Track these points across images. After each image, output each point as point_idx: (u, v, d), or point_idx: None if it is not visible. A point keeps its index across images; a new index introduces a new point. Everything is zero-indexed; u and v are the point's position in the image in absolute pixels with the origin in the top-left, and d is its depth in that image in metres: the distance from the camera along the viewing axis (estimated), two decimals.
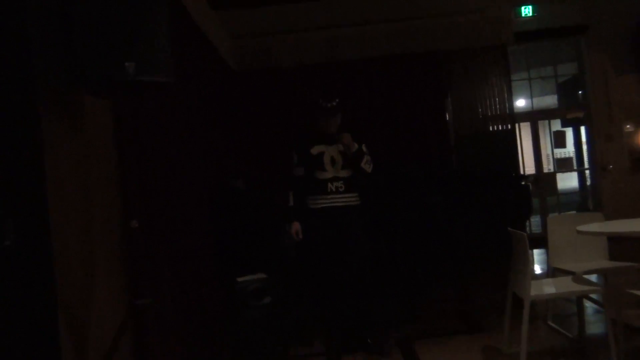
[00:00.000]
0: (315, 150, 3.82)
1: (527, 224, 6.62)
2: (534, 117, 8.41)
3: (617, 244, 3.93)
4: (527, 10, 7.35)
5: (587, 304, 4.11)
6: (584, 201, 8.70)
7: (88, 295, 2.42)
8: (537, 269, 6.17)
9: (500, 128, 7.28)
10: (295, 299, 4.20)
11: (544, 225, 4.96)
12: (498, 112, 7.28)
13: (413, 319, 4.42)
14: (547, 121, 8.79)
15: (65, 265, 2.18)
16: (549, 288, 3.50)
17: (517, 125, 7.46)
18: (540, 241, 5.68)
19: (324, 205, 3.78)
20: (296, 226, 3.82)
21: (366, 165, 3.82)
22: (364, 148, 3.83)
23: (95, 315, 2.44)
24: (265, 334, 3.84)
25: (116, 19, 2.18)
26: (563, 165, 9.83)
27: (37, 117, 2.04)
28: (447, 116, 7.25)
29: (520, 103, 9.36)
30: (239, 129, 6.63)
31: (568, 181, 11.00)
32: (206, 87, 4.98)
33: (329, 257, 3.78)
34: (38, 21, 2.17)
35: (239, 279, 4.00)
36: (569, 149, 9.64)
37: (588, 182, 8.33)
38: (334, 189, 3.78)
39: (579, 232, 3.14)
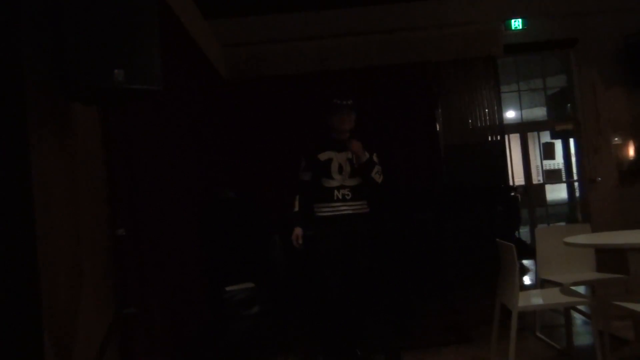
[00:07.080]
0: (323, 156, 3.74)
1: (517, 234, 6.64)
2: (523, 128, 8.46)
3: (605, 256, 3.94)
4: (516, 24, 7.42)
5: (576, 315, 4.12)
6: (572, 213, 8.74)
7: (74, 304, 2.39)
8: (527, 280, 6.18)
9: (490, 139, 7.34)
10: (284, 308, 4.17)
11: (533, 236, 4.99)
12: (488, 124, 7.33)
13: (403, 330, 4.40)
14: (536, 133, 8.83)
15: (51, 274, 2.16)
16: (537, 299, 3.50)
17: (506, 136, 7.51)
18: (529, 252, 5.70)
19: (330, 213, 3.69)
20: (297, 231, 3.71)
21: (376, 176, 3.73)
22: (374, 158, 3.77)
23: (81, 324, 2.42)
24: (253, 344, 3.81)
25: (106, 28, 2.18)
26: (552, 176, 9.87)
27: (24, 123, 2.03)
28: (438, 127, 7.28)
29: (510, 114, 9.42)
30: (230, 138, 6.63)
31: (557, 193, 11.04)
32: (197, 95, 4.98)
33: (334, 266, 3.66)
34: (29, 28, 2.16)
35: (227, 288, 3.99)
36: (558, 161, 9.68)
37: (577, 194, 8.37)
38: (340, 197, 3.68)
39: (566, 243, 3.15)
